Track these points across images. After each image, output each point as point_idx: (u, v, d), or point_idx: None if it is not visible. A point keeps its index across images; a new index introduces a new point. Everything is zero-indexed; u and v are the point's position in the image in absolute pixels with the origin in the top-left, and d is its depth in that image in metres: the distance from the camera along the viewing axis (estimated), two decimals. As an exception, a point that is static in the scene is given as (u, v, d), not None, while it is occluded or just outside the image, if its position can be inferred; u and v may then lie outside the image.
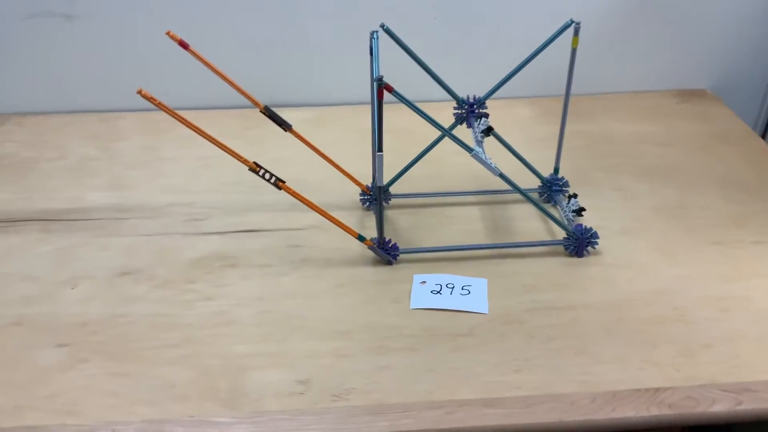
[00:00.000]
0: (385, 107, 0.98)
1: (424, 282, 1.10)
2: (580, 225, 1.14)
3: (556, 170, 1.25)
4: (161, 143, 1.49)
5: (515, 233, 1.20)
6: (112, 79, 1.58)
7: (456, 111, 1.17)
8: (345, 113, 1.63)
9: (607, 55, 1.64)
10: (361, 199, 1.27)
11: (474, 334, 1.00)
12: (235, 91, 1.10)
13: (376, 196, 1.23)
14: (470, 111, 1.16)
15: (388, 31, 1.10)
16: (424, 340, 0.99)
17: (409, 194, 1.29)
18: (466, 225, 1.23)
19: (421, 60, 1.12)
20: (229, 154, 1.00)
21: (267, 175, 1.03)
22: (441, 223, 1.24)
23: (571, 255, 1.15)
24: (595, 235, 1.13)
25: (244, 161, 1.01)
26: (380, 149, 1.01)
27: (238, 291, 1.08)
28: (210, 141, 0.99)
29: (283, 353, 0.97)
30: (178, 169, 1.40)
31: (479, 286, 1.09)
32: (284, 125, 1.16)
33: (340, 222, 1.08)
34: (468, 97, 1.16)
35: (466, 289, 1.08)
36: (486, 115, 1.16)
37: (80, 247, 1.17)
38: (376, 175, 1.04)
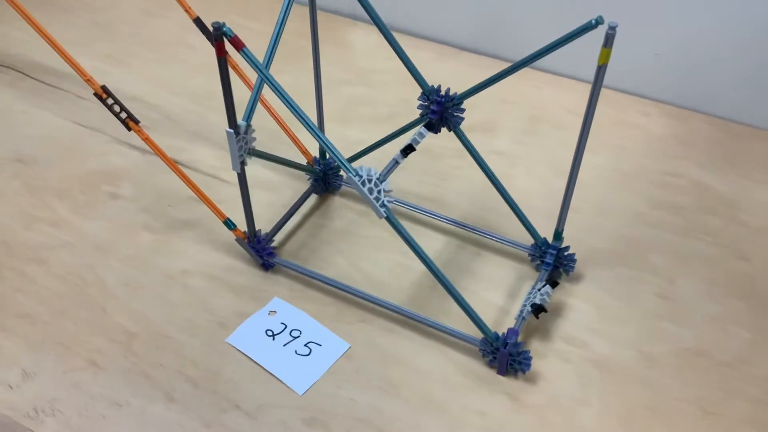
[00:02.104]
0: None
1: (274, 312, 0.81)
2: (513, 332, 0.74)
3: (558, 234, 0.82)
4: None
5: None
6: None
7: (421, 103, 0.80)
8: (330, 24, 1.26)
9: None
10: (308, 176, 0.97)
11: (253, 416, 0.71)
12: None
13: (321, 177, 0.94)
14: (433, 109, 0.78)
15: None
16: (191, 394, 0.73)
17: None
18: (409, 258, 0.88)
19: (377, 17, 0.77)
20: (71, 65, 0.79)
21: (116, 108, 0.80)
22: (381, 241, 0.90)
23: (490, 365, 0.76)
24: (525, 358, 0.73)
25: (89, 81, 0.79)
26: (231, 124, 0.72)
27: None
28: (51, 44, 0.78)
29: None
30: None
31: (330, 350, 0.77)
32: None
33: (206, 197, 0.82)
34: (439, 89, 0.78)
35: (308, 347, 0.77)
36: (456, 121, 0.78)
37: None
38: (231, 158, 0.75)
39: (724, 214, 0.94)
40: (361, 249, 0.89)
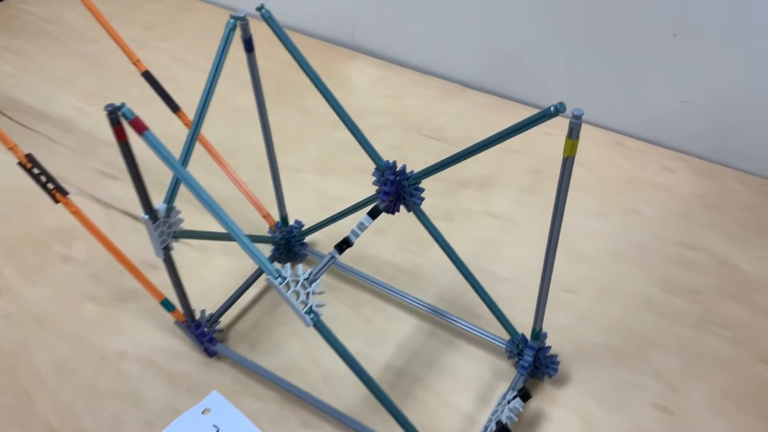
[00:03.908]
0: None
1: (209, 411, 0.72)
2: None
3: (535, 335, 0.70)
4: None
5: (411, 397, 0.72)
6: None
7: (376, 179, 0.69)
8: (329, 55, 1.13)
9: None
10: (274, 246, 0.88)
11: None
12: None
13: (282, 246, 0.84)
14: (385, 190, 0.67)
15: (267, 18, 0.65)
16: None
17: (338, 263, 0.86)
18: (372, 346, 0.78)
19: (308, 67, 0.66)
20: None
21: (43, 178, 0.72)
22: (343, 323, 0.80)
23: (443, 492, 0.65)
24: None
25: (12, 149, 0.72)
26: (146, 209, 0.63)
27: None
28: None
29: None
30: None
31: (264, 462, 0.68)
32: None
33: (141, 275, 0.74)
34: (394, 165, 0.67)
35: (238, 458, 0.68)
36: (414, 202, 0.67)
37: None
38: (152, 244, 0.66)
39: (749, 302, 0.80)
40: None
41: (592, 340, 0.77)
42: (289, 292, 0.58)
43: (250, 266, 0.86)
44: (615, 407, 0.71)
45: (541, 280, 0.65)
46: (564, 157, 0.54)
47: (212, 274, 0.86)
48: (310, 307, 0.59)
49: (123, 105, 0.56)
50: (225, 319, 0.80)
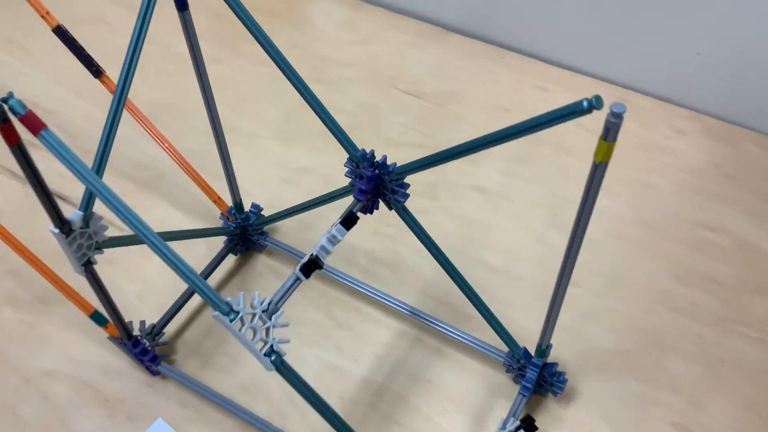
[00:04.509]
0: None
1: (154, 444, 0.61)
2: None
3: (541, 352, 0.59)
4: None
5: (394, 421, 0.62)
6: None
7: (349, 170, 0.56)
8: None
9: None
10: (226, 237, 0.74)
11: None
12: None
13: (239, 234, 0.71)
14: (360, 188, 0.54)
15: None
16: None
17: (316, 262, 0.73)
18: (346, 357, 0.67)
19: (263, 35, 0.52)
20: None
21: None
22: (313, 329, 0.69)
23: None
24: None
25: None
26: (55, 222, 0.49)
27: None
28: None
29: None
30: None
31: None
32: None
33: (64, 285, 0.60)
34: (372, 156, 0.54)
35: (191, 505, 0.57)
36: (397, 200, 0.54)
37: None
38: (69, 260, 0.53)
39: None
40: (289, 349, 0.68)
41: (599, 344, 0.67)
42: (244, 329, 0.46)
43: (200, 257, 0.73)
44: (629, 428, 0.62)
45: (552, 301, 0.53)
46: (595, 162, 0.42)
47: (155, 269, 0.73)
48: (271, 346, 0.47)
49: (10, 95, 0.42)
50: (171, 328, 0.68)
